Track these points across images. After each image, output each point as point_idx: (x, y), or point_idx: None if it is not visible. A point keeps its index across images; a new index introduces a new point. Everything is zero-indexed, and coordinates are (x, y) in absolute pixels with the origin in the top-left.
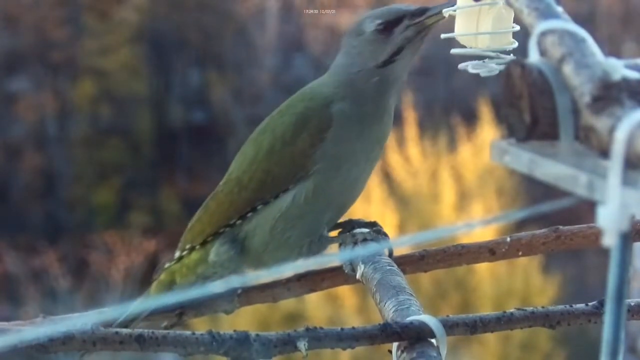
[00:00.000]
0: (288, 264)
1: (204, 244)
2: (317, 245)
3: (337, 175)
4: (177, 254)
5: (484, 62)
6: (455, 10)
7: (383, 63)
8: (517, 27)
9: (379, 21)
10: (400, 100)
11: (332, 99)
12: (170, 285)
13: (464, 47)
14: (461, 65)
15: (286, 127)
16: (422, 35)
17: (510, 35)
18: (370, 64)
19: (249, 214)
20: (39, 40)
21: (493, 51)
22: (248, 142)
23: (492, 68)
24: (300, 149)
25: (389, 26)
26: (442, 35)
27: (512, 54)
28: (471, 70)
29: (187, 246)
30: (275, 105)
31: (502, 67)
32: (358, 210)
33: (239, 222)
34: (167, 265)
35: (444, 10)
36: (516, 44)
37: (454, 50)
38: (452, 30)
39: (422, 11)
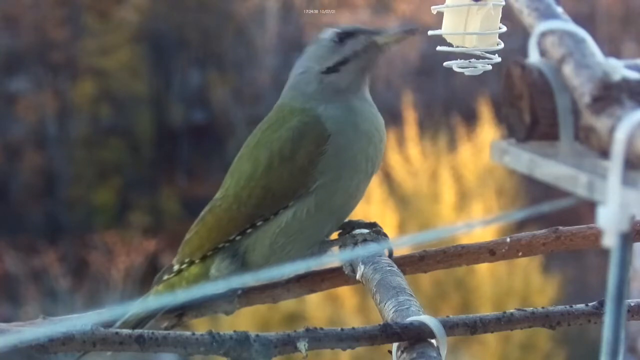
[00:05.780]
0: (288, 266)
1: (203, 258)
2: (317, 252)
3: (339, 187)
4: (175, 267)
5: (469, 61)
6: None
7: (327, 69)
8: (504, 28)
9: (337, 30)
10: (400, 100)
11: (318, 110)
12: None
13: (450, 44)
14: (446, 63)
15: (283, 143)
16: (372, 53)
17: (497, 36)
18: (315, 67)
19: (249, 230)
20: (39, 40)
21: (479, 51)
22: (242, 156)
23: (476, 68)
24: (300, 165)
25: (344, 37)
26: (430, 32)
27: (497, 55)
28: (456, 69)
29: (186, 260)
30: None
31: (486, 67)
32: (358, 211)
33: (238, 237)
34: (165, 277)
35: (432, 7)
36: (502, 45)
37: (439, 48)
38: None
39: (379, 32)
